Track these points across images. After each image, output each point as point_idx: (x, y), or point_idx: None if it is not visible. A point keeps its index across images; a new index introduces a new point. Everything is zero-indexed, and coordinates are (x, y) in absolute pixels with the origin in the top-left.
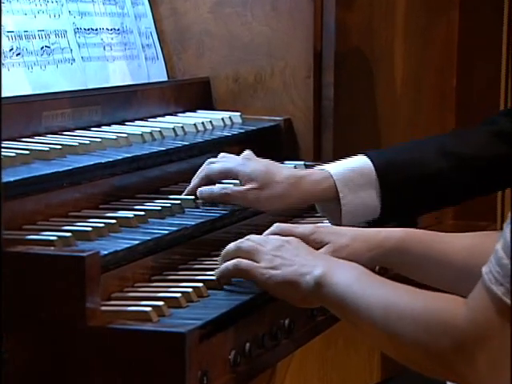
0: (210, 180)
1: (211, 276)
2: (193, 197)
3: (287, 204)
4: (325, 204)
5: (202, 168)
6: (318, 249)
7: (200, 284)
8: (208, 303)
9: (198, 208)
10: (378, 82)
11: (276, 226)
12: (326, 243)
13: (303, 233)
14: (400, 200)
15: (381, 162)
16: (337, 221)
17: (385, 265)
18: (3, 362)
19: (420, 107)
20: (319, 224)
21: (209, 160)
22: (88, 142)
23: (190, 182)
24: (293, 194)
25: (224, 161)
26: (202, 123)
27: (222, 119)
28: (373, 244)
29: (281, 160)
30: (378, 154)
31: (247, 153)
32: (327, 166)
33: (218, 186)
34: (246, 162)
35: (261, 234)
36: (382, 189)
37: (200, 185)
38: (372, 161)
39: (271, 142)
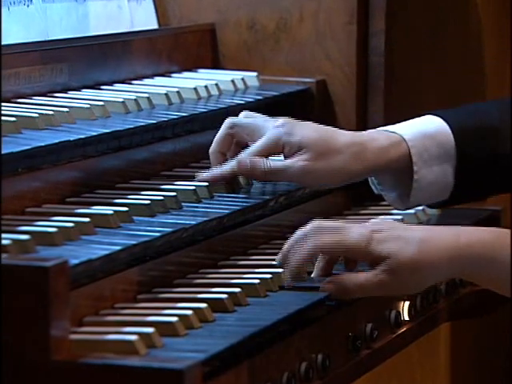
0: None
1: (219, 294)
2: (205, 183)
3: (346, 179)
4: (387, 176)
5: (223, 134)
6: (372, 264)
7: (203, 305)
8: (213, 330)
9: (211, 198)
10: (450, 31)
11: (315, 226)
12: (385, 257)
13: (356, 244)
14: (477, 179)
15: (459, 127)
16: (399, 200)
17: (466, 279)
18: None
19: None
20: (370, 223)
21: (231, 121)
22: (51, 112)
23: (188, 167)
24: (354, 166)
25: (254, 127)
26: (205, 87)
27: (233, 81)
28: (450, 255)
29: None
30: (454, 116)
31: (284, 119)
32: (397, 128)
33: (257, 159)
34: (290, 127)
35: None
36: (459, 163)
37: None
38: (449, 124)
39: (298, 112)
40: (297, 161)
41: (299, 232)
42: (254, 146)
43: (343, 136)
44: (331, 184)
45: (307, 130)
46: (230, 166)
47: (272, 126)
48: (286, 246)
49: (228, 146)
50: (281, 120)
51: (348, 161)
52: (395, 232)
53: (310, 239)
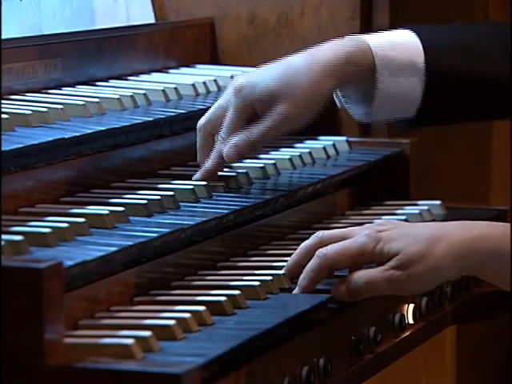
0: None
1: (218, 296)
2: (204, 182)
3: (317, 103)
4: (351, 88)
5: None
6: (382, 263)
7: (201, 307)
8: (212, 334)
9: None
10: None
11: (318, 238)
12: (394, 254)
13: (364, 246)
14: (447, 98)
15: (431, 42)
16: (360, 111)
17: (477, 275)
18: None
19: None
20: (375, 224)
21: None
22: (45, 109)
23: (186, 166)
24: (321, 85)
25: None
26: (204, 83)
27: (232, 77)
28: (462, 248)
29: (316, 136)
30: (428, 32)
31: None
32: (366, 36)
33: (239, 136)
34: (247, 86)
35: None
36: (427, 78)
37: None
38: (421, 39)
39: None
40: (277, 115)
41: (303, 246)
42: (227, 123)
43: (301, 60)
44: (314, 114)
45: (266, 77)
46: (216, 152)
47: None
48: (290, 261)
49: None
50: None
51: (315, 82)
52: (402, 230)
53: (317, 255)
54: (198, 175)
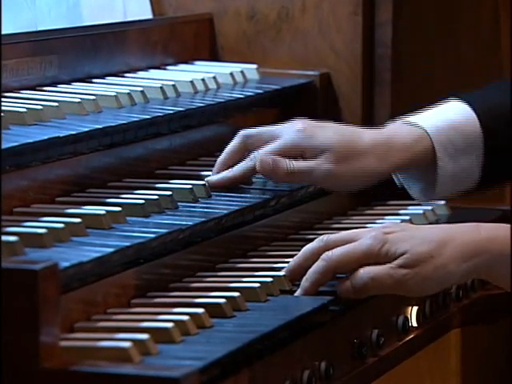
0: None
1: (217, 298)
2: (203, 182)
3: (371, 181)
4: (411, 171)
5: (236, 145)
6: (387, 263)
7: (200, 310)
8: (211, 337)
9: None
10: (462, 18)
11: (323, 241)
12: (401, 254)
13: (370, 247)
14: (505, 166)
15: (486, 113)
16: (423, 192)
17: (485, 277)
18: None
19: None
20: (381, 226)
21: (245, 133)
22: (40, 107)
23: (185, 165)
24: (379, 167)
25: (272, 134)
26: (203, 80)
27: (231, 74)
28: (470, 250)
29: None
30: (481, 102)
31: (298, 121)
32: (419, 119)
33: (280, 159)
34: (311, 130)
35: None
36: (486, 153)
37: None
38: (476, 112)
39: (301, 107)
40: (321, 163)
41: (307, 248)
42: (273, 145)
43: (366, 135)
44: (356, 186)
45: (329, 133)
46: (246, 164)
47: (292, 130)
48: (292, 263)
49: (239, 159)
50: (300, 124)
51: (373, 162)
52: (409, 232)
53: (322, 258)
54: (216, 178)
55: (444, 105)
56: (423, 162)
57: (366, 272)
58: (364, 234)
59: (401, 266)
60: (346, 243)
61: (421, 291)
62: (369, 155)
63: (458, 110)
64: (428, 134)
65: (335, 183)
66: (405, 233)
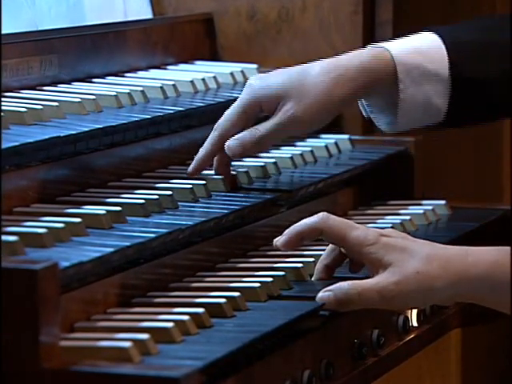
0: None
1: (217, 298)
2: (203, 182)
3: (335, 108)
4: (374, 98)
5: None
6: (374, 271)
7: (200, 309)
8: (211, 337)
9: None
10: (462, 19)
11: (321, 218)
12: (388, 263)
13: (363, 239)
14: (474, 101)
15: (455, 44)
16: (386, 123)
17: (468, 300)
18: None
19: None
20: (385, 230)
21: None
22: (40, 106)
23: (185, 165)
24: (337, 92)
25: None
26: (203, 80)
27: (232, 74)
28: (456, 271)
29: (317, 134)
30: (449, 32)
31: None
32: (385, 43)
33: (243, 133)
34: (262, 80)
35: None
36: (454, 83)
37: (212, 152)
38: (444, 42)
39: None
40: (284, 113)
41: (305, 220)
42: (228, 114)
43: (316, 67)
44: (325, 121)
45: (279, 78)
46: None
47: (245, 87)
48: (288, 230)
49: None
50: (251, 78)
51: (329, 89)
52: (403, 242)
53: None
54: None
55: (414, 35)
56: (385, 83)
57: (352, 287)
58: (362, 228)
59: (386, 280)
60: (344, 226)
61: (405, 307)
62: (319, 85)
63: (427, 38)
64: (390, 54)
65: (307, 125)
66: (399, 241)
